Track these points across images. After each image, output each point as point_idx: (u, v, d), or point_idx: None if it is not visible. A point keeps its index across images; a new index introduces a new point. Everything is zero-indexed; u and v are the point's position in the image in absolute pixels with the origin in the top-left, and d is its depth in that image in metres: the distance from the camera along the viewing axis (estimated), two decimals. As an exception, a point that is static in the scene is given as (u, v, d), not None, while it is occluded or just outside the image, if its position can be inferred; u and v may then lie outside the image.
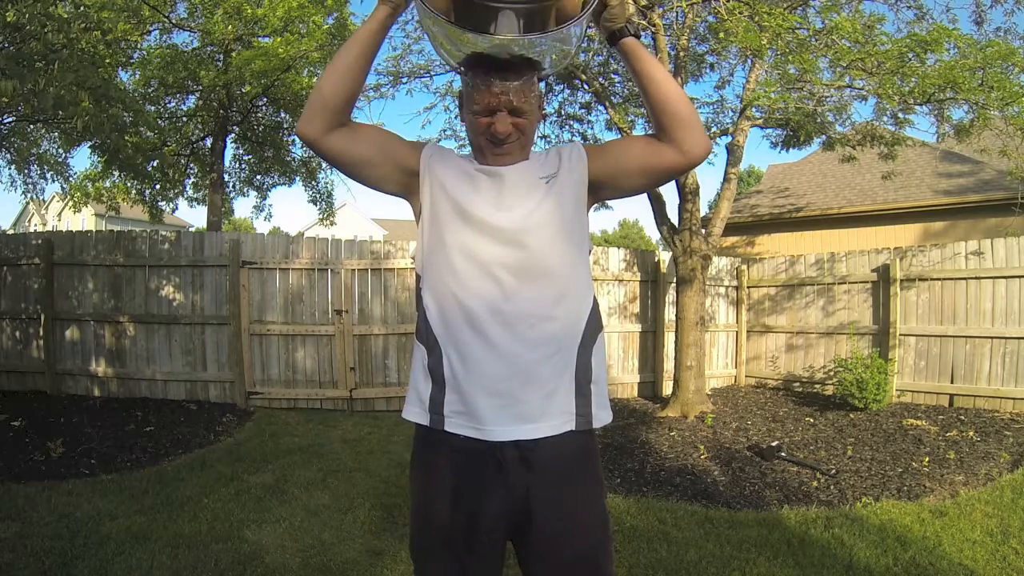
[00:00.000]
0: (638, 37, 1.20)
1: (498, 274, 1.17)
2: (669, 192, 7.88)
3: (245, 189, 13.36)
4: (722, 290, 7.71)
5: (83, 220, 22.03)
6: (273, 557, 2.77)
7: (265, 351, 5.98)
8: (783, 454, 4.47)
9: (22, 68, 4.70)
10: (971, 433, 4.91)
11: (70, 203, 11.91)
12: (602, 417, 1.25)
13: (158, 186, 12.01)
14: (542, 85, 1.33)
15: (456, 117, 7.27)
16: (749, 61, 5.99)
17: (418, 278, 1.28)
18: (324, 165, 11.75)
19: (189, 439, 4.72)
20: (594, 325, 1.25)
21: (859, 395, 5.73)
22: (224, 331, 5.89)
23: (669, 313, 7.09)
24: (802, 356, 7.17)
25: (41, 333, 5.90)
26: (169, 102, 11.06)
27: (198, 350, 5.94)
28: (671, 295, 7.04)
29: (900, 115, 5.81)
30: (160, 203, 12.65)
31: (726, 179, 6.42)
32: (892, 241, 8.29)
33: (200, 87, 10.39)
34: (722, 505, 3.57)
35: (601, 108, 6.52)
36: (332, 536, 3.03)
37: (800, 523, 3.21)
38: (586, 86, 6.82)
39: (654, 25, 5.48)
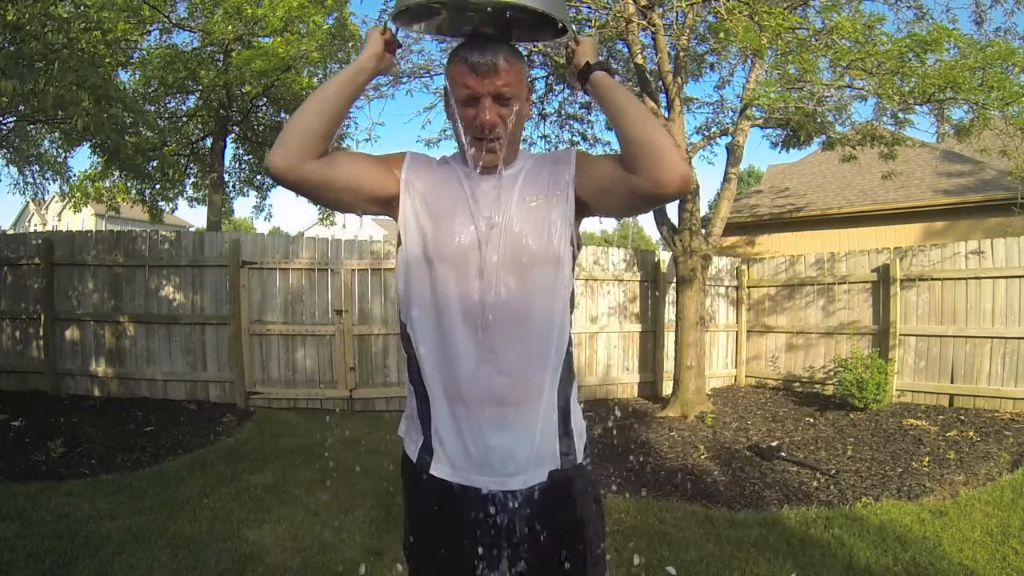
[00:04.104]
0: (611, 73, 1.15)
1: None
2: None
3: (245, 189, 13.36)
4: (722, 290, 7.70)
5: (83, 220, 22.00)
6: (273, 557, 2.77)
7: (265, 351, 5.98)
8: (783, 454, 4.47)
9: (22, 68, 4.70)
10: (971, 433, 4.91)
11: (70, 203, 11.92)
12: (581, 447, 1.26)
13: (158, 186, 12.01)
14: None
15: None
16: (749, 61, 5.99)
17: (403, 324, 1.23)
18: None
19: (189, 439, 4.71)
20: (569, 368, 1.24)
21: (859, 395, 5.73)
22: (224, 331, 5.89)
23: (669, 313, 7.09)
24: (802, 356, 7.17)
25: (41, 333, 5.90)
26: (169, 102, 11.06)
27: (198, 350, 5.94)
28: (671, 295, 7.04)
29: (900, 115, 5.82)
30: (160, 203, 12.65)
31: (726, 179, 6.42)
32: (892, 241, 8.28)
33: (200, 87, 10.39)
34: (722, 505, 3.57)
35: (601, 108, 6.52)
36: (332, 536, 3.03)
37: (800, 523, 3.21)
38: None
39: (654, 25, 5.48)
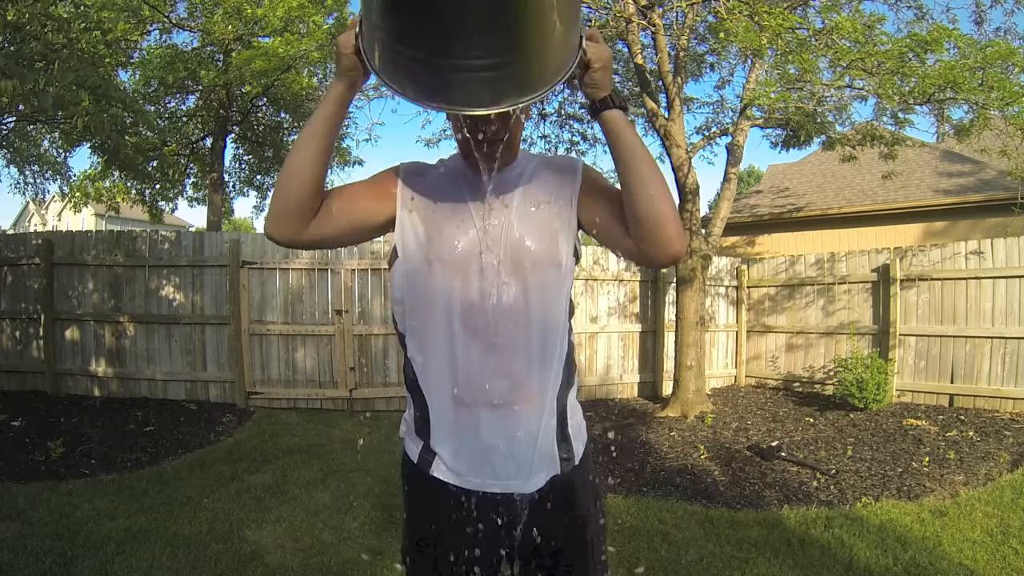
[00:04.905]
0: (624, 110, 1.06)
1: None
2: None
3: (245, 189, 13.39)
4: (722, 290, 7.70)
5: (83, 220, 22.02)
6: (273, 557, 2.77)
7: (265, 351, 5.98)
8: (783, 454, 4.47)
9: (22, 68, 4.70)
10: (971, 433, 4.91)
11: (70, 203, 11.93)
12: (580, 450, 1.26)
13: (158, 186, 12.03)
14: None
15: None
16: (749, 61, 5.99)
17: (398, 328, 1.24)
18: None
19: (189, 439, 4.71)
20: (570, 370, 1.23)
21: (859, 395, 5.73)
22: (224, 331, 5.89)
23: (669, 313, 7.09)
24: (802, 356, 7.16)
25: (41, 333, 5.90)
26: (169, 102, 11.08)
27: (198, 350, 5.94)
28: (671, 295, 7.04)
29: (900, 115, 5.82)
30: (160, 203, 12.68)
31: (726, 179, 6.42)
32: (892, 241, 8.29)
33: (200, 87, 10.41)
34: (722, 505, 3.57)
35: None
36: (332, 536, 3.03)
37: (800, 523, 3.21)
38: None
39: (654, 25, 5.48)
